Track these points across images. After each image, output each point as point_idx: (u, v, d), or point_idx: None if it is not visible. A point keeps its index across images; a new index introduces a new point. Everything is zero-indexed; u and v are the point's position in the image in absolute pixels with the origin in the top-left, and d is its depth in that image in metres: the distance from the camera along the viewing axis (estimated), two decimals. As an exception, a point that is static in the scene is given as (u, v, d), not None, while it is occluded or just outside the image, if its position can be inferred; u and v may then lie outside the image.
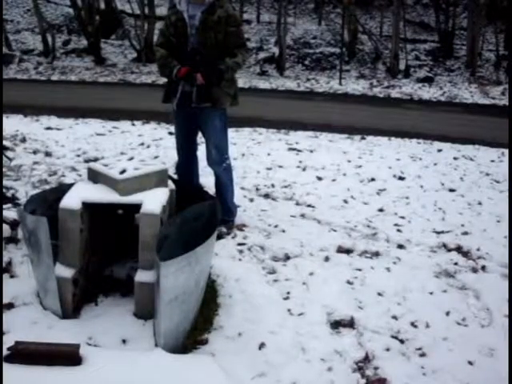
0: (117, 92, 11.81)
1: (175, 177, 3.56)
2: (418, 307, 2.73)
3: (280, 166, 5.34)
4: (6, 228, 3.02)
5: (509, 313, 2.67)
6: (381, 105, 11.36)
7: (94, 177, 2.62)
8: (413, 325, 2.58)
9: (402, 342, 2.44)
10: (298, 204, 4.26)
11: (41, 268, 2.41)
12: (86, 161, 5.08)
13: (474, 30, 15.23)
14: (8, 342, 2.04)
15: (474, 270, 3.21)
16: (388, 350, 2.37)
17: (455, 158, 6.17)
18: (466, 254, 3.44)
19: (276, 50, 16.40)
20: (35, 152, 5.44)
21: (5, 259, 2.77)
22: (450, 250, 3.48)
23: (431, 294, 2.90)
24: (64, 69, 15.66)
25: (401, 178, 5.18)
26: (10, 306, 2.45)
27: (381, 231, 3.74)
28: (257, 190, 4.56)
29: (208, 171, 3.78)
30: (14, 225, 3.11)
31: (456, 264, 3.27)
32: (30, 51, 17.34)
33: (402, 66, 15.38)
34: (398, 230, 3.80)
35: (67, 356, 2.01)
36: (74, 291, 2.44)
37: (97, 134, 6.61)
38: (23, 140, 5.94)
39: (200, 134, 3.63)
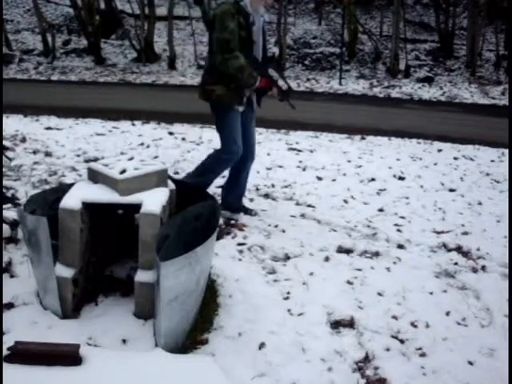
0: (117, 92, 11.81)
1: (176, 177, 3.60)
2: (418, 307, 2.72)
3: (280, 166, 5.34)
4: (5, 228, 3.02)
5: (509, 313, 2.67)
6: (381, 105, 11.36)
7: (94, 177, 2.62)
8: (413, 325, 2.57)
9: (402, 342, 2.44)
10: (298, 204, 4.26)
11: (41, 268, 2.41)
12: (86, 161, 5.08)
13: (474, 30, 15.23)
14: (8, 341, 2.04)
15: (474, 270, 3.21)
16: (388, 350, 2.37)
17: (455, 158, 6.18)
18: (466, 254, 3.44)
19: (276, 50, 16.41)
20: (35, 152, 5.44)
21: (5, 259, 2.77)
22: (450, 250, 3.48)
23: (431, 293, 2.90)
24: (64, 69, 15.67)
25: (401, 178, 5.18)
26: (10, 305, 2.45)
27: (381, 231, 3.74)
28: (257, 189, 4.56)
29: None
30: (13, 225, 3.11)
31: (456, 264, 3.27)
32: (30, 51, 17.35)
33: (402, 66, 15.37)
34: (398, 230, 3.80)
35: (67, 356, 2.01)
36: (73, 291, 2.43)
37: (97, 134, 6.61)
38: (23, 140, 5.94)
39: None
